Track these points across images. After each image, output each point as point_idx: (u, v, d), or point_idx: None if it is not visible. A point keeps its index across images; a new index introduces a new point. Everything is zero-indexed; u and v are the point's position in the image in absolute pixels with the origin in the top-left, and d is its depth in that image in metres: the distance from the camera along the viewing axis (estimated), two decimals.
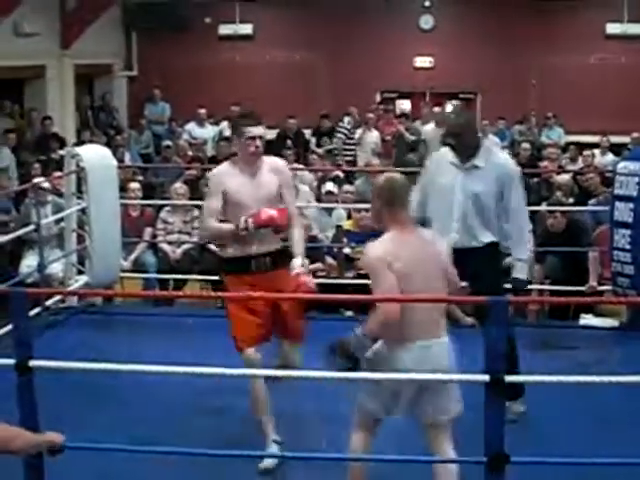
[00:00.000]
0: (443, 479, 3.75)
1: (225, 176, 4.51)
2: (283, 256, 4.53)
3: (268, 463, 4.35)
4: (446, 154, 4.86)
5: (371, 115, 13.16)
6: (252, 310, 4.39)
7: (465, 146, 4.78)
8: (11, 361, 3.70)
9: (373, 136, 12.91)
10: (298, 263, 4.39)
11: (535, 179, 10.15)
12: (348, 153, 13.00)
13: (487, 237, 4.80)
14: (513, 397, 4.72)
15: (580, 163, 11.42)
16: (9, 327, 5.58)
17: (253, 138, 4.44)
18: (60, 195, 7.76)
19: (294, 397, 4.77)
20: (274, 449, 4.39)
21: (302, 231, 4.67)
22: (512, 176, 4.79)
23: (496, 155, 4.89)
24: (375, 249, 3.74)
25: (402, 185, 3.88)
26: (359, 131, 13.07)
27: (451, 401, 3.78)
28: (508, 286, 4.95)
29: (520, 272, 4.89)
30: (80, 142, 11.15)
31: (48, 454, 3.17)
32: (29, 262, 7.73)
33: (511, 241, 4.87)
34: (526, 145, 11.95)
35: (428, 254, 3.76)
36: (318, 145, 13.25)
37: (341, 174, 10.07)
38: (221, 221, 4.53)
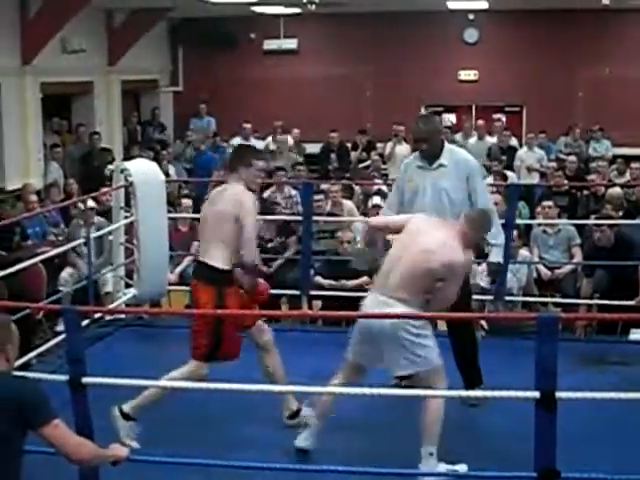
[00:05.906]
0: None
1: None
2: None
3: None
4: (414, 160, 5.32)
5: (400, 128, 12.75)
6: None
7: (434, 149, 5.22)
8: (64, 377, 3.75)
9: (403, 149, 12.61)
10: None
11: (584, 192, 10.06)
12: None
13: None
14: (471, 386, 5.04)
15: (627, 176, 11.27)
16: (55, 340, 5.78)
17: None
18: (109, 210, 7.82)
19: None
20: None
21: None
22: (472, 167, 5.28)
23: (457, 152, 5.35)
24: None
25: None
26: (389, 145, 12.80)
27: (402, 358, 4.16)
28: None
29: (496, 256, 5.44)
30: (128, 157, 11.27)
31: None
32: (67, 274, 7.95)
33: None
34: (572, 158, 11.83)
35: (413, 247, 4.32)
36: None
37: (385, 188, 10.04)
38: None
